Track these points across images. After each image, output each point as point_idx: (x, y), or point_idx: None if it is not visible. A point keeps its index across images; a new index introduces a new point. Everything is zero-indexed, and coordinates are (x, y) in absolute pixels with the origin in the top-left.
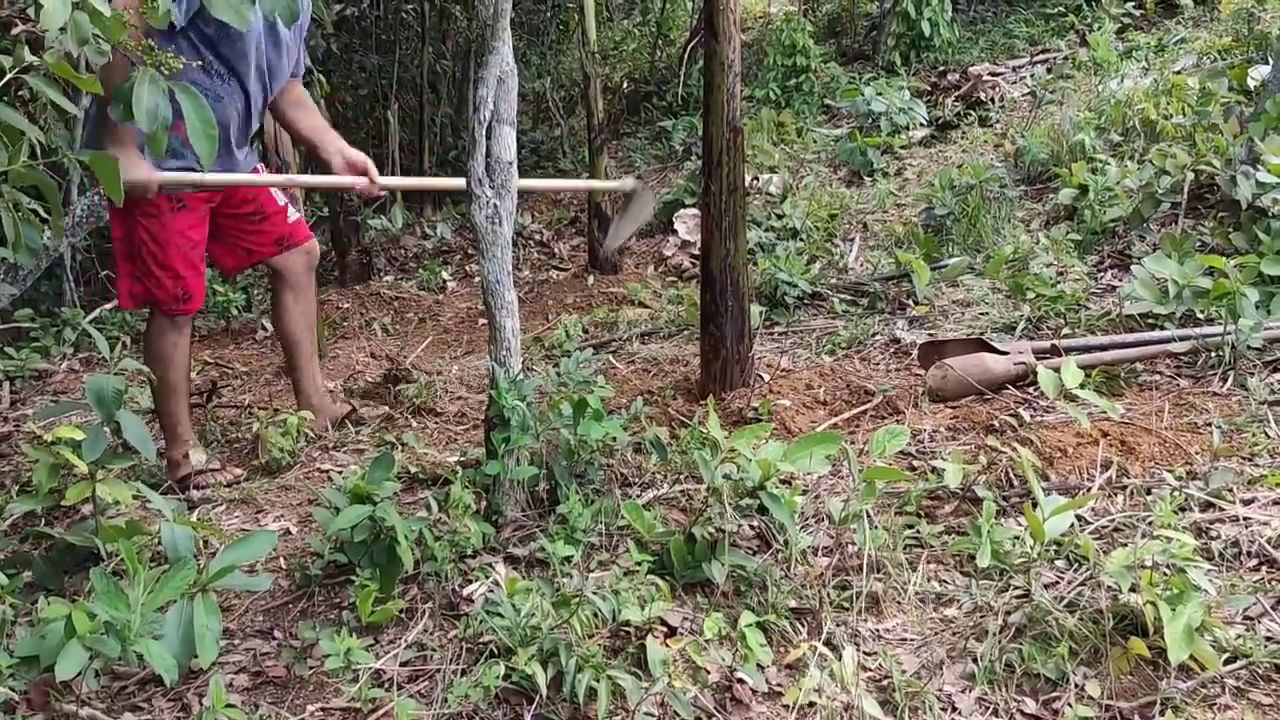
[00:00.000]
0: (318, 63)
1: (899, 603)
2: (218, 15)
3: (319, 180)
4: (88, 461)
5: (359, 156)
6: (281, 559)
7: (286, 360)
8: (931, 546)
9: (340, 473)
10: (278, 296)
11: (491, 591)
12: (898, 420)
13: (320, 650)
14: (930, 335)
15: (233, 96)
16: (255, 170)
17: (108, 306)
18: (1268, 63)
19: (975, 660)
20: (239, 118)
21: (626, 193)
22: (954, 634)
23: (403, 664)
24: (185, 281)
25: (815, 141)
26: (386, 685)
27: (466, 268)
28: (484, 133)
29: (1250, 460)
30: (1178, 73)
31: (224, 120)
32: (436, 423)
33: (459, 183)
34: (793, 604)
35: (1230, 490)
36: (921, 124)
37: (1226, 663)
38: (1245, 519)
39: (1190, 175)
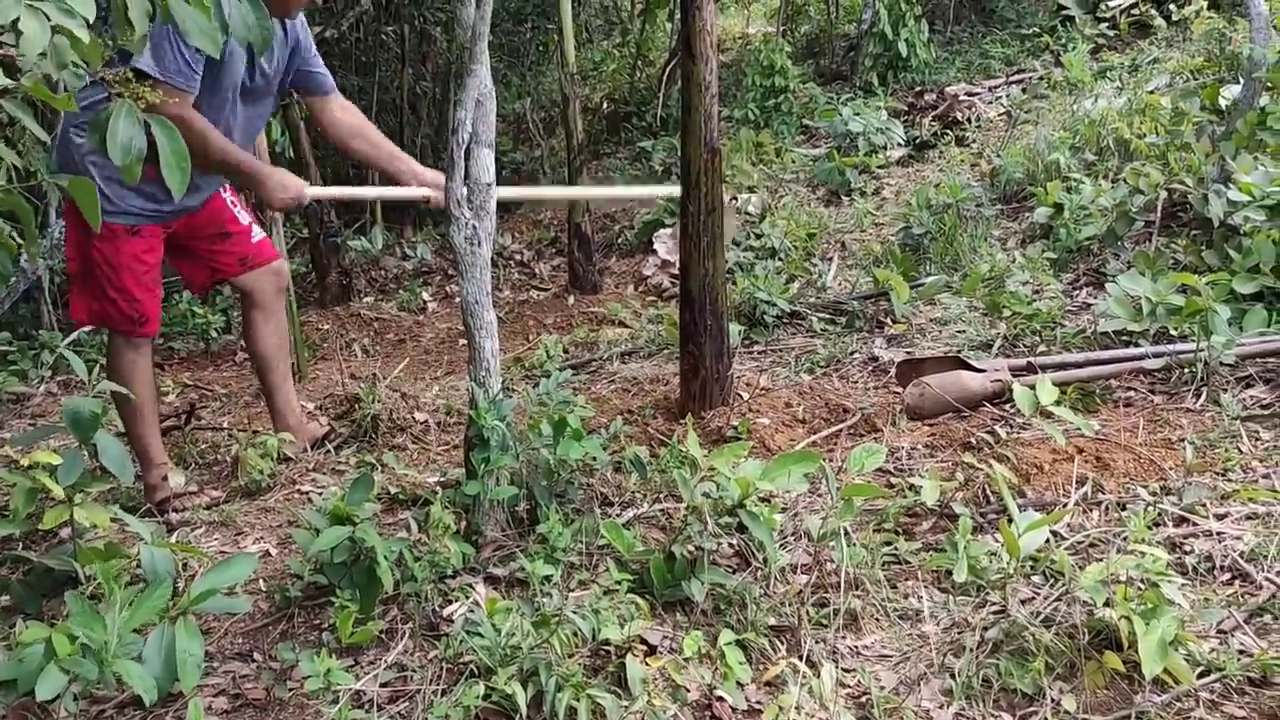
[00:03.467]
0: None
1: (877, 619)
2: (192, 43)
3: (396, 193)
4: (65, 485)
5: (429, 175)
6: (261, 581)
7: (260, 382)
8: (909, 563)
9: (320, 494)
10: (247, 317)
11: (472, 611)
12: (875, 438)
13: (300, 672)
14: (908, 353)
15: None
16: (223, 192)
17: (85, 329)
18: (1239, 82)
19: (953, 676)
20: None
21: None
22: (931, 650)
23: (383, 685)
24: (140, 304)
25: (794, 161)
26: (366, 706)
27: (447, 288)
28: (462, 155)
29: (1223, 475)
30: (1151, 92)
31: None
32: (416, 444)
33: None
34: (772, 621)
35: (1204, 505)
36: (899, 144)
37: (1200, 676)
38: (1218, 533)
39: (1163, 194)
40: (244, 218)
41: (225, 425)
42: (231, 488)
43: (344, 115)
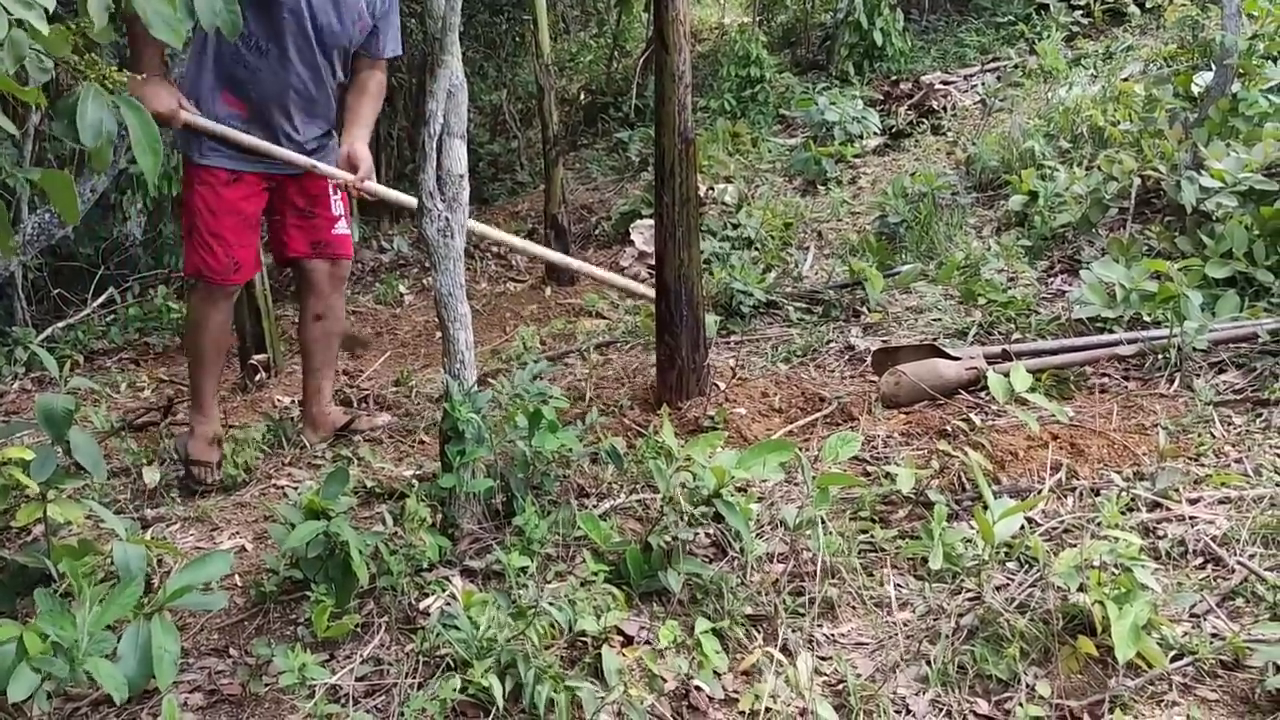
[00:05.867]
0: None
1: (853, 607)
2: (157, 35)
3: (301, 159)
4: (38, 482)
5: (361, 155)
6: (237, 576)
7: (302, 363)
8: (885, 551)
9: (296, 489)
10: (302, 301)
11: (448, 604)
12: (851, 426)
13: (275, 667)
14: (884, 342)
15: (275, 68)
16: (322, 157)
17: (59, 325)
18: (1211, 69)
19: (929, 663)
20: (283, 89)
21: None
22: (907, 637)
23: (359, 679)
24: (234, 250)
25: (770, 151)
26: (342, 701)
27: (423, 281)
28: (434, 146)
29: (1196, 460)
30: (1125, 80)
31: (262, 94)
32: (392, 438)
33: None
34: (748, 611)
35: (1177, 490)
36: (875, 133)
37: (1173, 660)
38: (1191, 518)
39: (1137, 181)
40: (337, 209)
41: None
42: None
43: (361, 74)
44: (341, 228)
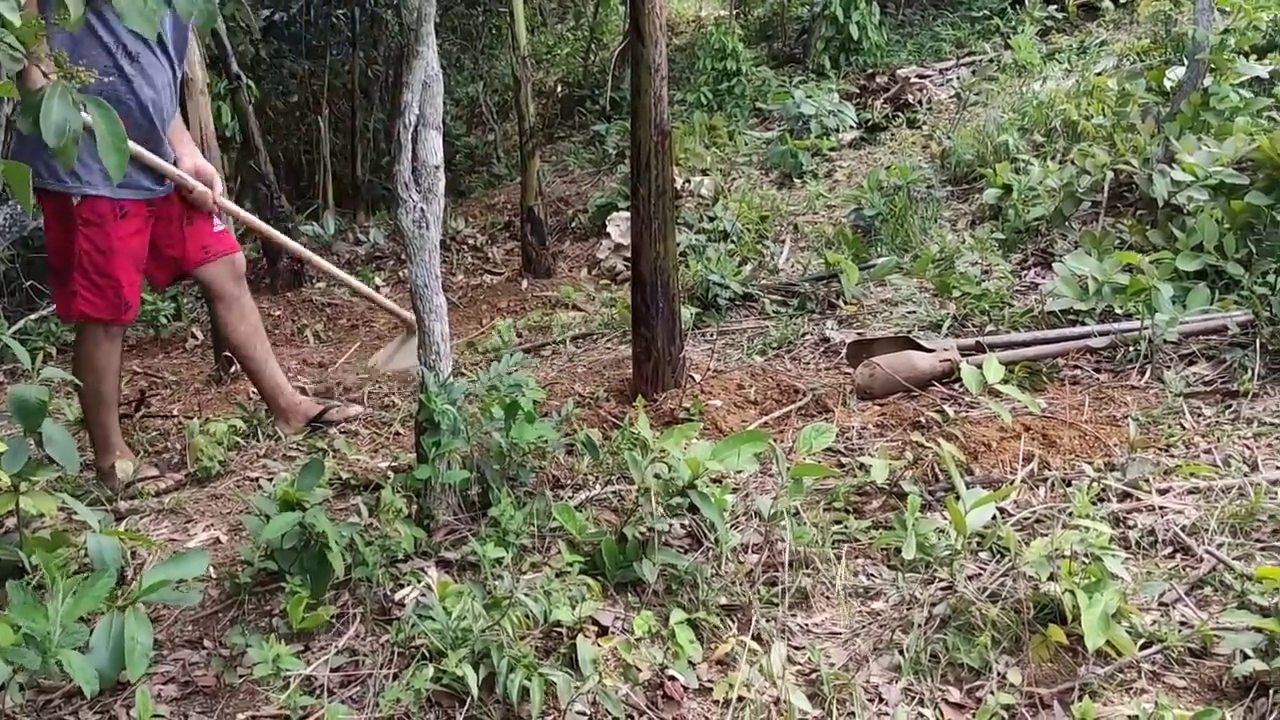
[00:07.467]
0: (246, 69)
1: (827, 597)
2: (130, 26)
3: (164, 165)
4: (10, 474)
5: (208, 168)
6: (211, 568)
7: (243, 369)
8: (859, 541)
9: (271, 480)
10: (213, 311)
11: (423, 595)
12: (826, 418)
13: (250, 658)
14: (859, 334)
15: (149, 77)
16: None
17: (32, 317)
18: (1183, 64)
19: (901, 652)
20: (158, 94)
21: (407, 324)
22: (880, 626)
23: (334, 670)
24: (124, 290)
25: (746, 144)
26: (317, 692)
27: (399, 273)
28: (410, 137)
29: (1166, 451)
30: (1098, 74)
31: (140, 102)
32: (368, 429)
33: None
34: (723, 601)
35: (1146, 481)
36: (851, 126)
37: (1142, 648)
38: (1161, 508)
39: (1109, 174)
40: None
41: (175, 413)
42: (182, 475)
43: None
44: (218, 225)
